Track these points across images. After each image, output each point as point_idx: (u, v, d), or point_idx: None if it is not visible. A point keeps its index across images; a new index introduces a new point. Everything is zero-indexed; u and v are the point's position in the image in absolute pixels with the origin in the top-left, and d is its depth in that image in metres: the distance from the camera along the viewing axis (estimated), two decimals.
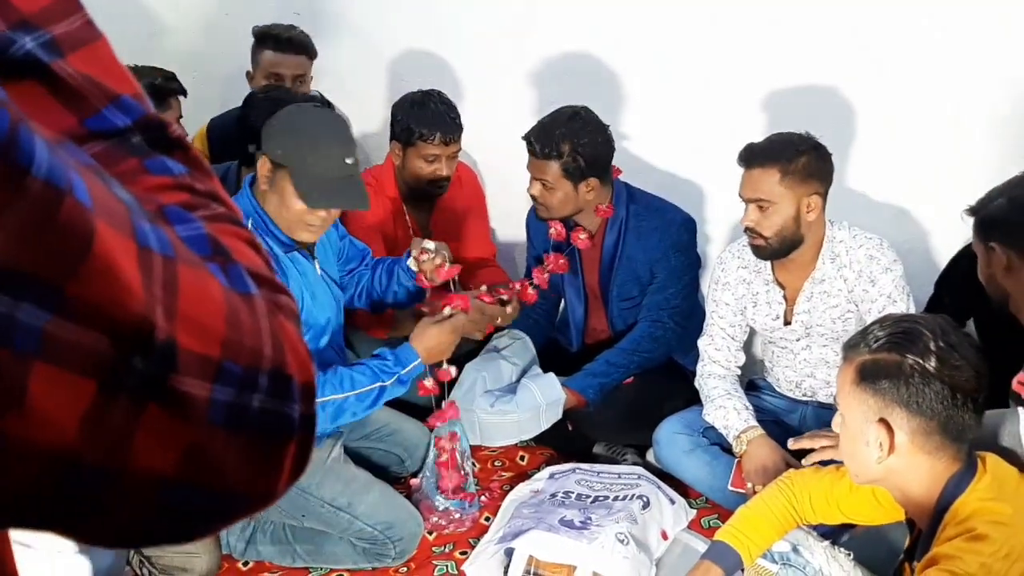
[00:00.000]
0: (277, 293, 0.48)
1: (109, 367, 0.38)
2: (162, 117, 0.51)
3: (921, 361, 1.59)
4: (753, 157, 2.39)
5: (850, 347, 1.71)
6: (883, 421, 1.62)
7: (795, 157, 2.36)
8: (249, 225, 2.11)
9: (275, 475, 0.47)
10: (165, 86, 2.88)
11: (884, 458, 1.64)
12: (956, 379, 1.59)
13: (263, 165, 2.23)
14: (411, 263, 2.55)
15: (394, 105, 2.98)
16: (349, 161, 2.22)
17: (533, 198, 2.79)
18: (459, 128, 2.92)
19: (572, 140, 2.67)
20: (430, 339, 2.43)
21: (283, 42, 3.20)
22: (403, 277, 2.59)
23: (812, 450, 2.19)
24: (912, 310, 2.40)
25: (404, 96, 2.97)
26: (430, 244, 2.52)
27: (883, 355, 1.63)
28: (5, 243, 0.35)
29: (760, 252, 2.47)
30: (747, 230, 2.44)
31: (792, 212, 2.38)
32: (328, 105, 2.59)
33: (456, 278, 2.58)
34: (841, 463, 1.89)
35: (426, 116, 2.87)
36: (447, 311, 2.47)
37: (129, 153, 0.49)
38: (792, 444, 2.04)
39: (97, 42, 0.50)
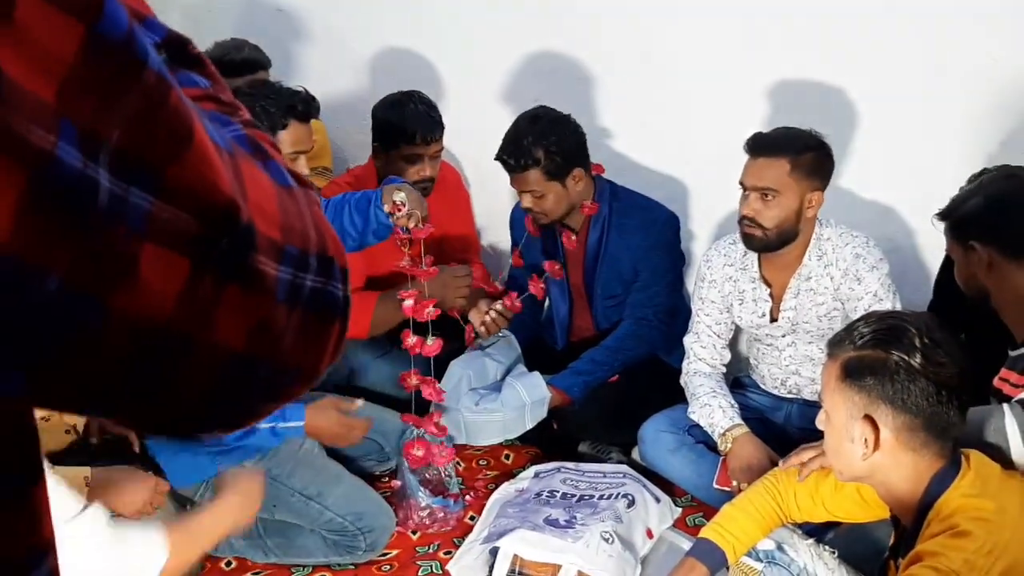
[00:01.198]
0: (308, 187, 0.52)
1: (202, 246, 0.42)
2: (182, 35, 0.55)
3: (906, 357, 1.59)
4: (762, 146, 2.38)
5: (835, 344, 1.71)
6: (868, 418, 1.62)
7: (804, 151, 2.36)
8: None
9: (322, 351, 0.51)
10: None
11: (869, 455, 1.63)
12: (941, 376, 1.59)
13: None
14: (384, 208, 2.45)
15: (374, 107, 2.95)
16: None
17: (528, 210, 2.79)
18: (441, 127, 2.89)
19: (543, 143, 2.66)
20: (322, 420, 2.40)
21: (238, 65, 3.18)
22: (381, 216, 2.47)
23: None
24: (898, 308, 2.40)
25: (384, 98, 2.94)
26: (400, 196, 2.41)
27: (868, 352, 1.63)
28: (124, 126, 0.38)
29: (753, 242, 2.45)
30: (744, 219, 2.42)
31: (795, 206, 2.37)
32: (313, 100, 2.57)
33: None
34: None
35: (407, 116, 2.84)
36: (359, 403, 2.47)
37: None
38: (782, 466, 2.03)
39: None
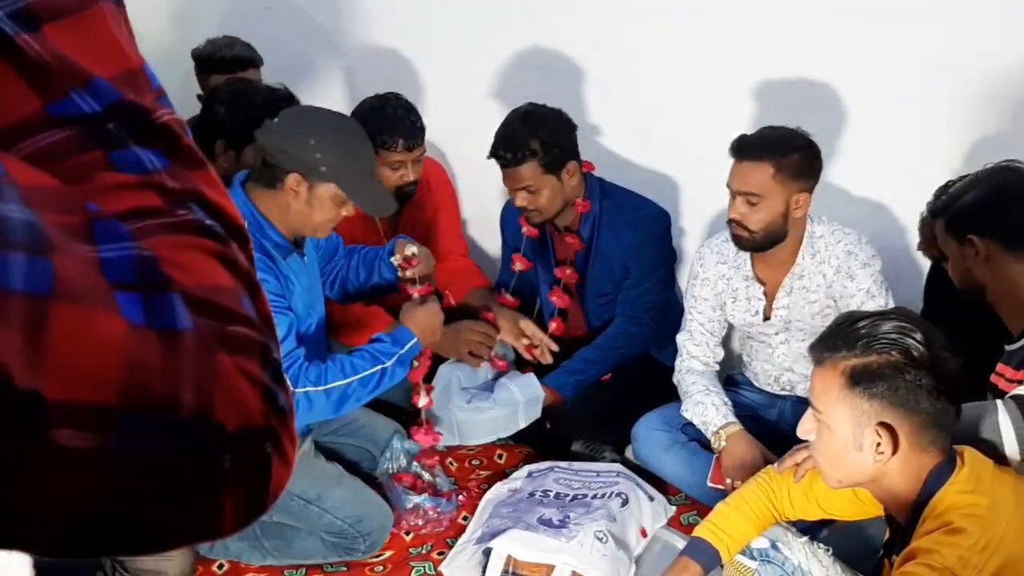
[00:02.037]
0: (231, 323, 0.44)
1: None
2: (144, 102, 0.48)
3: (913, 358, 1.56)
4: (746, 149, 2.36)
5: (828, 350, 1.65)
6: (884, 424, 1.59)
7: (789, 153, 2.34)
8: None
9: (211, 520, 0.44)
10: None
11: (886, 460, 1.60)
12: (943, 370, 1.57)
13: (294, 182, 2.24)
14: (394, 261, 2.55)
15: (353, 112, 2.86)
16: (374, 160, 2.39)
17: (523, 209, 2.77)
18: (421, 131, 2.83)
19: (538, 134, 2.65)
20: (421, 318, 2.45)
21: (229, 63, 3.16)
22: (385, 271, 2.59)
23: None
24: (891, 305, 2.39)
25: (362, 102, 2.86)
26: (412, 249, 2.52)
27: (873, 357, 1.59)
28: None
29: (742, 243, 2.45)
30: (731, 222, 2.42)
31: (781, 208, 2.37)
32: (292, 98, 2.59)
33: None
34: None
35: (386, 122, 2.77)
36: (415, 297, 2.53)
37: (94, 144, 0.45)
38: (778, 470, 2.01)
39: (88, 10, 0.46)
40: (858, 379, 1.59)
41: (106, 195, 0.43)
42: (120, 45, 0.47)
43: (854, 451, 1.62)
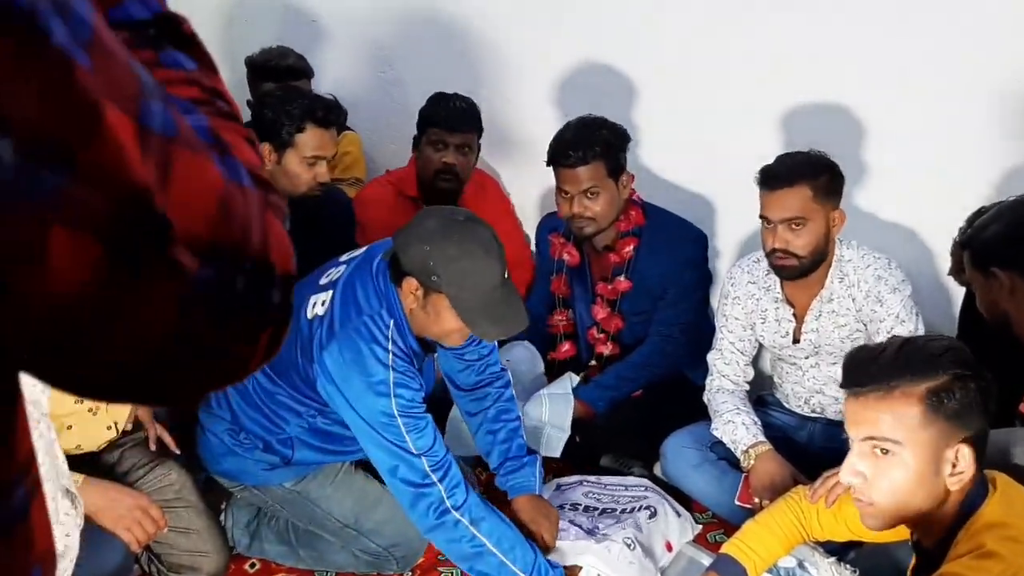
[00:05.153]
0: (269, 191, 0.52)
1: (114, 232, 0.41)
2: (177, 14, 0.55)
3: (971, 380, 1.57)
4: (778, 178, 2.37)
5: (896, 378, 1.59)
6: (966, 441, 1.57)
7: (819, 174, 2.38)
8: (391, 328, 2.06)
9: (251, 351, 0.52)
10: None
11: (966, 477, 1.58)
12: (989, 392, 1.59)
13: (411, 286, 2.09)
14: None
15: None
16: (505, 276, 2.13)
17: (575, 217, 2.73)
18: (468, 121, 3.03)
19: (602, 135, 2.69)
20: None
21: (282, 72, 3.23)
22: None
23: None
24: (921, 330, 2.41)
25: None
26: None
27: (944, 378, 1.57)
28: (28, 105, 0.37)
29: (789, 272, 2.44)
30: (775, 252, 2.41)
31: (824, 228, 2.39)
32: (339, 108, 2.64)
33: None
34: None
35: (439, 104, 3.03)
36: None
37: (146, 45, 0.52)
38: (813, 499, 2.01)
39: None
40: (940, 400, 1.56)
41: (165, 85, 0.50)
42: None
43: (931, 477, 1.57)
